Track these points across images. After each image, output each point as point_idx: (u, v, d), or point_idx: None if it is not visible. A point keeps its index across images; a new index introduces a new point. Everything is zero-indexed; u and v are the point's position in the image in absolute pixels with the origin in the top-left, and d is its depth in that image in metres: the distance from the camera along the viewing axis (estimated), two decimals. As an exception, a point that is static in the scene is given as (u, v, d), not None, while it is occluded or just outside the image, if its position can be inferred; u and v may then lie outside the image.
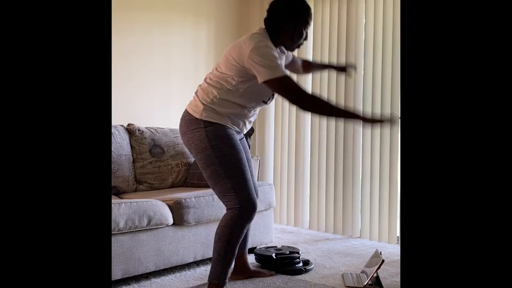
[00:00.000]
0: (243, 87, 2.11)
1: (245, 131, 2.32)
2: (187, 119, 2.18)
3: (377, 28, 3.45)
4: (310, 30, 3.86)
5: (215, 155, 2.09)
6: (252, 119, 2.29)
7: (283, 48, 2.23)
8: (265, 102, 2.24)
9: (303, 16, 2.12)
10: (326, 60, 3.75)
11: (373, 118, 2.01)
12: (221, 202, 2.21)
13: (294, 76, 2.38)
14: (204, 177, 2.17)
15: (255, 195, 2.14)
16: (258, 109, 2.29)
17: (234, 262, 2.23)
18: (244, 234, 2.15)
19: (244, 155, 2.18)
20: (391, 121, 1.99)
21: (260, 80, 1.99)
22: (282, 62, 2.25)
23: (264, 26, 2.18)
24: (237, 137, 2.22)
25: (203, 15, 3.96)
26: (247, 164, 2.16)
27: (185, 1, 3.82)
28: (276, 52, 2.05)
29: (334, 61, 3.69)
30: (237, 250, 2.15)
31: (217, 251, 2.12)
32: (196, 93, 2.24)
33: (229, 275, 2.16)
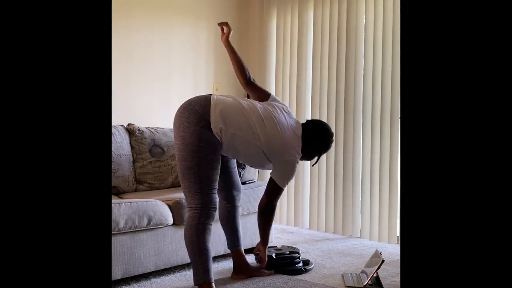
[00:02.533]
0: (260, 149, 2.28)
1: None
2: (194, 109, 2.20)
3: (377, 28, 3.45)
4: (310, 30, 3.87)
5: (197, 154, 2.15)
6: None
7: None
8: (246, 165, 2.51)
9: (327, 148, 2.50)
10: (326, 60, 3.75)
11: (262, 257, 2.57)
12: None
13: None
14: (177, 166, 2.23)
15: (216, 198, 2.23)
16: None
17: (229, 263, 2.21)
18: (210, 230, 2.20)
19: (219, 165, 2.25)
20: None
21: (273, 175, 2.36)
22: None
23: (302, 129, 2.40)
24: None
25: (203, 16, 3.96)
26: (218, 172, 2.24)
27: (185, 1, 3.82)
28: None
29: (334, 61, 3.70)
30: (209, 246, 2.18)
31: (192, 253, 2.17)
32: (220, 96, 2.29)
33: (212, 271, 2.18)
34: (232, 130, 2.20)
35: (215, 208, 2.21)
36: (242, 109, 2.26)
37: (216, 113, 2.19)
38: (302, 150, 2.36)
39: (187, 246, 2.18)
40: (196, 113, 2.19)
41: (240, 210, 2.62)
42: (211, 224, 2.20)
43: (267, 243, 2.55)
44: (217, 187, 2.24)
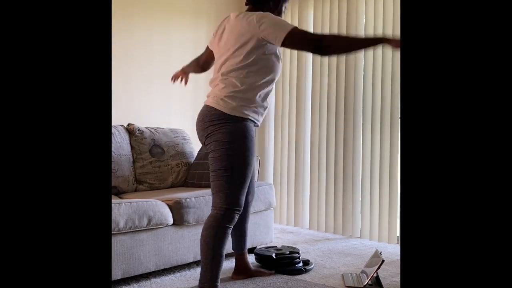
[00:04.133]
0: (260, 63, 2.13)
1: (261, 120, 2.28)
2: (212, 114, 2.12)
3: (377, 28, 3.45)
4: (310, 30, 3.87)
5: (231, 153, 2.08)
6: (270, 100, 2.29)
7: None
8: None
9: None
10: (325, 60, 3.75)
11: (395, 38, 1.97)
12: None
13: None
14: (210, 168, 2.16)
15: (243, 201, 2.15)
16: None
17: (232, 263, 2.20)
18: (229, 234, 2.13)
19: (253, 161, 2.18)
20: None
21: (279, 40, 2.03)
22: None
23: (246, 9, 2.25)
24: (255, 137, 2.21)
25: (203, 15, 3.96)
26: (251, 171, 2.16)
27: (185, 1, 3.82)
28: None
29: (334, 61, 3.70)
30: (224, 251, 2.11)
31: (205, 254, 2.09)
32: (215, 90, 2.18)
33: (219, 277, 2.12)
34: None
35: (239, 210, 2.13)
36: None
37: (221, 89, 2.15)
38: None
39: (201, 245, 2.10)
40: (217, 112, 2.12)
41: (250, 215, 2.57)
42: (231, 228, 2.13)
43: None
44: (246, 189, 2.15)
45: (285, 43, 2.03)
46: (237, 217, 2.15)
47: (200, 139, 2.22)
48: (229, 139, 2.09)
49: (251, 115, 2.14)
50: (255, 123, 2.20)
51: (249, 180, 2.16)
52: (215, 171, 2.12)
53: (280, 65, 2.24)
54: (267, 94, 2.22)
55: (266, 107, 2.25)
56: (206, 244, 2.09)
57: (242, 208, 2.16)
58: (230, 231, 2.14)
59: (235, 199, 2.11)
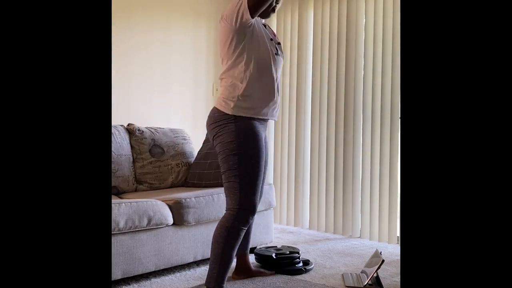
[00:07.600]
0: (249, 56, 2.10)
1: (276, 111, 2.25)
2: (216, 115, 2.15)
3: (377, 28, 3.45)
4: (310, 30, 3.87)
5: (238, 151, 2.09)
6: (278, 83, 2.24)
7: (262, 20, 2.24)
8: (277, 53, 2.21)
9: None
10: (326, 60, 3.75)
11: None
12: (223, 201, 2.22)
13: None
14: (221, 170, 2.17)
15: (257, 201, 2.14)
16: (279, 71, 2.24)
17: (232, 263, 2.21)
18: (241, 236, 2.14)
19: (264, 159, 2.18)
20: None
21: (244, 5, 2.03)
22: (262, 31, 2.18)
23: None
24: (263, 135, 2.19)
25: (203, 15, 3.96)
26: (263, 169, 2.17)
27: (185, 1, 3.82)
28: None
29: (334, 61, 3.70)
30: (235, 252, 2.13)
31: (215, 254, 2.10)
32: (220, 93, 2.21)
33: (226, 279, 2.13)
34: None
35: (253, 211, 2.12)
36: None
37: (224, 92, 2.15)
38: None
39: (212, 243, 2.11)
40: (220, 114, 2.13)
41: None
42: (244, 230, 2.12)
43: None
44: (258, 187, 2.14)
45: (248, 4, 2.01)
46: (251, 218, 2.13)
47: (211, 142, 2.25)
48: (233, 139, 2.09)
49: (249, 112, 2.12)
50: (260, 119, 2.18)
51: (260, 179, 2.15)
52: (224, 173, 2.14)
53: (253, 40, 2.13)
54: (251, 79, 2.12)
55: (263, 98, 2.16)
56: (217, 243, 2.10)
57: (256, 209, 2.13)
58: (243, 233, 2.13)
59: (247, 199, 2.10)
